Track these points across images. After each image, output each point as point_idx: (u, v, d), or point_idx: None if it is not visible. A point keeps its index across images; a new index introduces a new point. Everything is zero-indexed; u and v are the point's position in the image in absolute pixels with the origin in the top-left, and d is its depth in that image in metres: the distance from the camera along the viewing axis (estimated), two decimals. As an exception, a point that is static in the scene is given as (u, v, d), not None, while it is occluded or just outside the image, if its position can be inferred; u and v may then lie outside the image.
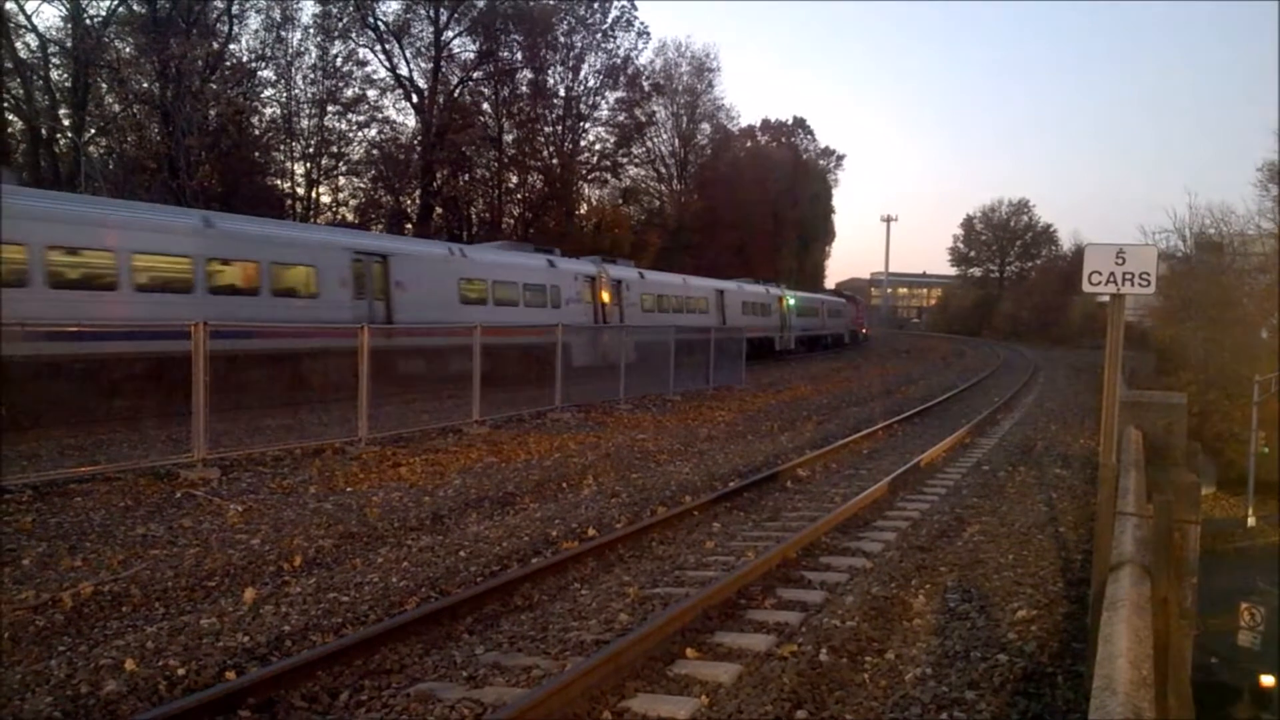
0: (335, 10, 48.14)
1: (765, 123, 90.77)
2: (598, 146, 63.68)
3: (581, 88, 60.34)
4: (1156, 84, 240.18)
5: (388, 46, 50.37)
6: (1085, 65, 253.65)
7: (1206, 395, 40.15)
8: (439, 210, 52.75)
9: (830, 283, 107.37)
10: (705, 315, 39.53)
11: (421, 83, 52.19)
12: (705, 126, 74.37)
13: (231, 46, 43.28)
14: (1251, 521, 34.28)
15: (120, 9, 38.06)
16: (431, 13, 50.68)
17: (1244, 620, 21.43)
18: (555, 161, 58.84)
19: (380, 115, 51.55)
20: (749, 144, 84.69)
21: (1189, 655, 7.10)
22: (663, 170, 72.03)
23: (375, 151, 51.22)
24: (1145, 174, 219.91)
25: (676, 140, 72.08)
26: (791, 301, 49.82)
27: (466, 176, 54.82)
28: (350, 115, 50.26)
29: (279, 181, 48.94)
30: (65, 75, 37.23)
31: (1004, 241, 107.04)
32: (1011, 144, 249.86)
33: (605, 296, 31.37)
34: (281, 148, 48.60)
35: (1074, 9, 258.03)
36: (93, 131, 37.91)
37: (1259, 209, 50.69)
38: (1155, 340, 52.34)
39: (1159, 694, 3.69)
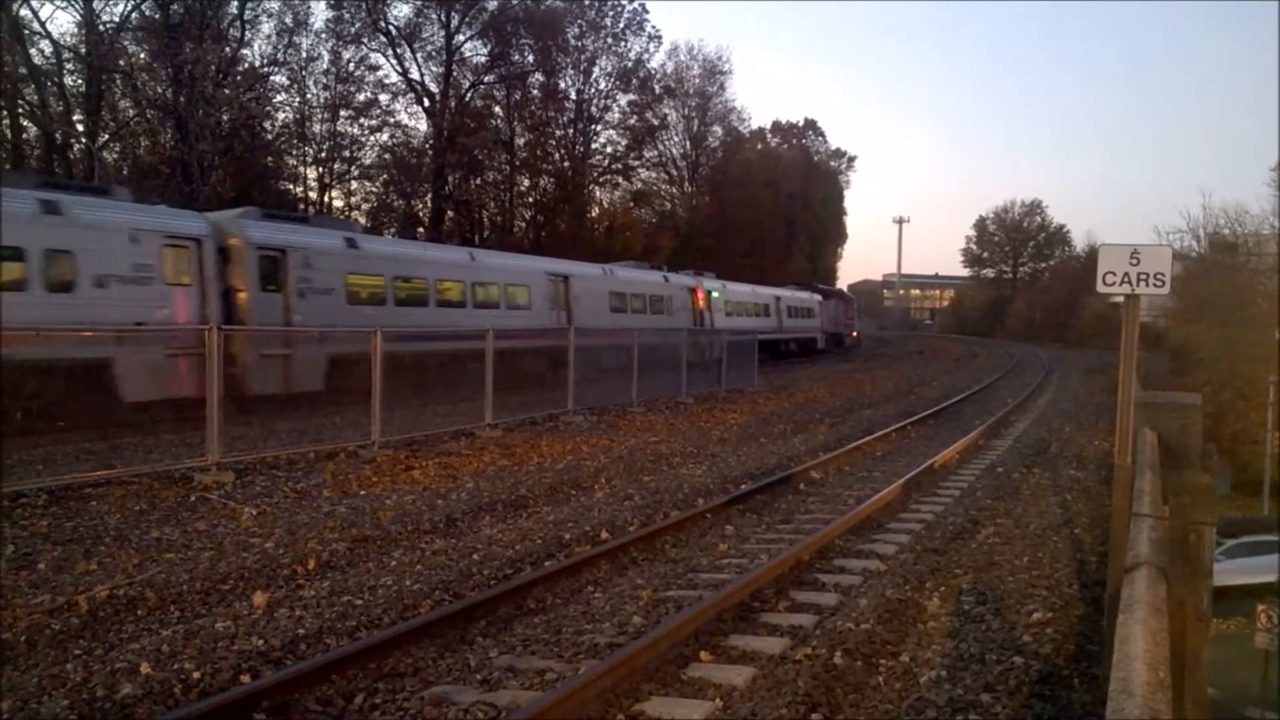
0: (347, 15, 48.39)
1: (776, 124, 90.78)
2: (609, 149, 63.89)
3: (593, 91, 60.57)
4: (1170, 83, 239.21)
5: (399, 51, 50.63)
6: (1098, 65, 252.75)
7: (1221, 396, 39.90)
8: (450, 214, 52.90)
9: (843, 284, 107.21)
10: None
11: (433, 87, 52.45)
12: (716, 129, 74.38)
13: (244, 51, 43.59)
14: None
15: (134, 15, 38.33)
16: (443, 16, 50.88)
17: (1261, 622, 21.28)
18: (567, 164, 58.99)
19: (392, 119, 51.85)
20: (760, 146, 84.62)
21: (1205, 658, 7.05)
22: (674, 173, 72.08)
23: (387, 155, 51.46)
24: (1159, 174, 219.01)
25: (688, 143, 72.10)
26: (715, 295, 39.65)
27: (478, 180, 55.02)
28: (362, 119, 50.54)
29: (292, 186, 49.18)
30: (79, 81, 37.51)
31: (1017, 242, 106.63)
32: (1024, 144, 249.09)
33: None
34: (294, 152, 48.89)
35: (1086, 10, 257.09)
36: (106, 137, 38.17)
37: (1273, 208, 50.47)
38: (1170, 341, 52.08)
39: (1176, 697, 3.67)
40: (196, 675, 6.13)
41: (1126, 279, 7.14)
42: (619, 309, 30.99)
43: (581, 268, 31.78)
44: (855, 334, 68.16)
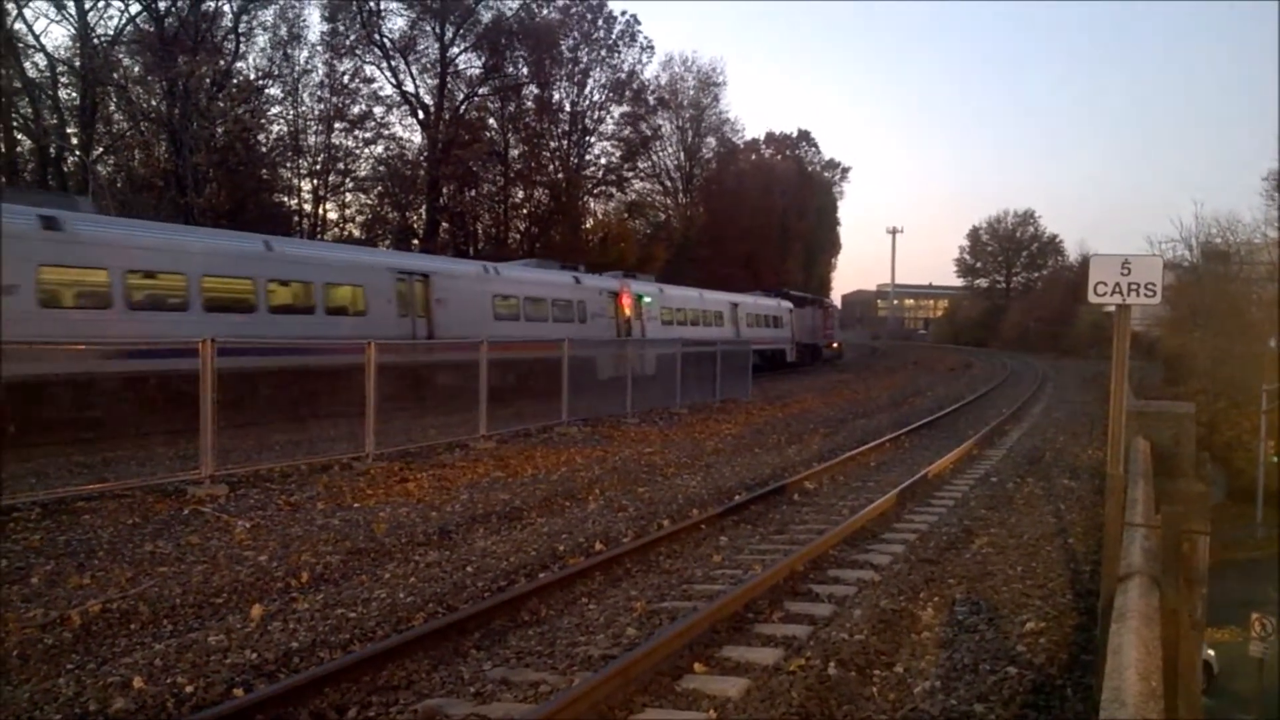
0: (342, 28, 48.50)
1: (770, 135, 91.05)
2: (603, 161, 64.09)
3: (587, 102, 60.74)
4: (1163, 91, 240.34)
5: (394, 63, 50.75)
6: (1090, 74, 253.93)
7: (1215, 404, 40.07)
8: (445, 225, 52.94)
9: (837, 294, 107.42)
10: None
11: (428, 99, 52.55)
12: (710, 140, 74.64)
13: (238, 64, 43.69)
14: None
15: (128, 28, 38.36)
16: (437, 29, 51.02)
17: (1255, 631, 21.34)
18: (561, 176, 59.10)
19: (387, 131, 51.92)
20: (754, 157, 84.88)
21: (1199, 667, 7.07)
22: (668, 184, 72.23)
23: (382, 168, 51.46)
24: (1151, 183, 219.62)
25: (682, 154, 72.29)
26: (648, 300, 34.20)
27: (473, 192, 55.09)
28: (357, 132, 50.61)
29: (286, 198, 49.20)
30: (74, 94, 37.53)
31: (1010, 252, 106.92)
32: (1017, 155, 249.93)
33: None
34: (288, 165, 48.89)
35: (1079, 19, 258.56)
36: (101, 150, 38.17)
37: (1265, 217, 50.74)
38: (1163, 350, 52.26)
39: (1169, 706, 3.68)
40: (189, 689, 6.11)
41: (1118, 289, 7.17)
42: (507, 316, 26.07)
43: (450, 264, 28.40)
44: (836, 345, 62.91)
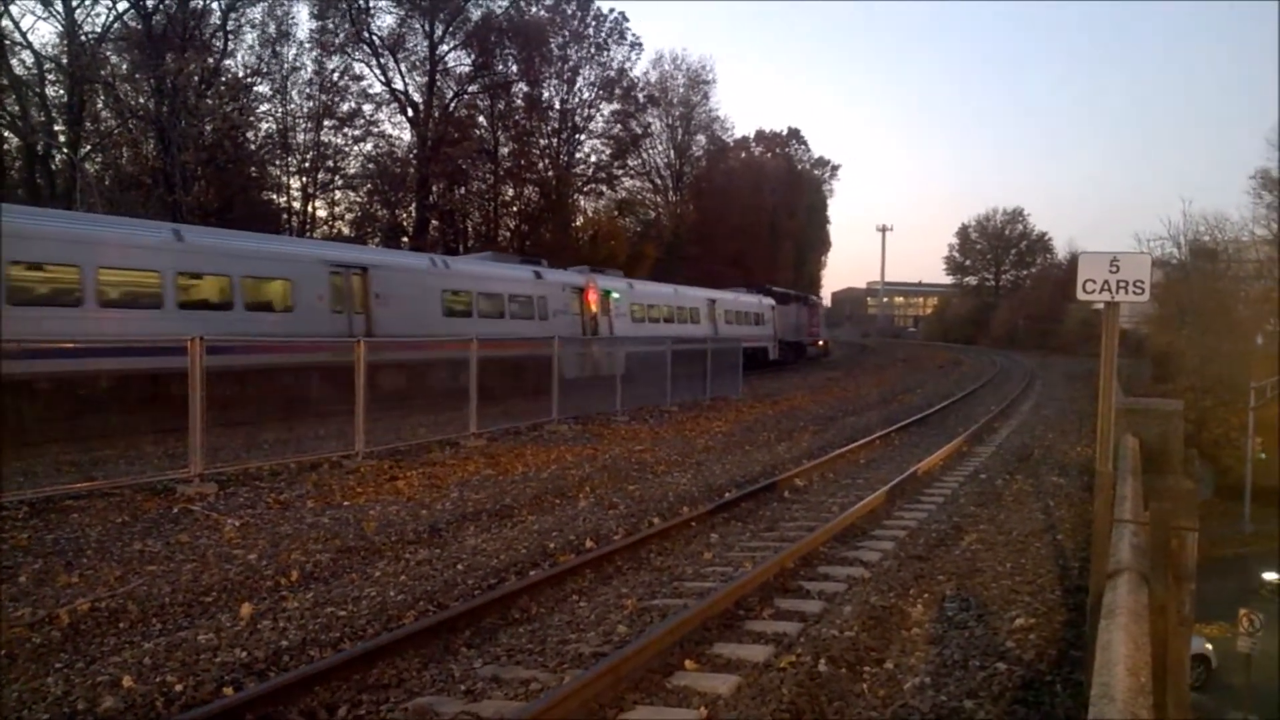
0: (331, 25, 48.36)
1: (760, 133, 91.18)
2: (593, 159, 64.07)
3: (576, 100, 60.74)
4: (1150, 91, 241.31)
5: (383, 61, 50.64)
6: (1079, 73, 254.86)
7: (1203, 402, 40.28)
8: (435, 223, 52.84)
9: (827, 291, 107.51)
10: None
11: (417, 96, 52.49)
12: (700, 138, 74.63)
13: (227, 62, 43.51)
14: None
15: (116, 25, 38.19)
16: (426, 26, 50.91)
17: (1243, 626, 21.46)
18: (551, 174, 59.05)
19: (376, 129, 51.80)
20: (744, 155, 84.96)
21: (1188, 662, 7.10)
22: (658, 182, 72.23)
23: (371, 165, 51.34)
24: (1139, 181, 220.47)
25: (672, 152, 72.30)
26: (616, 297, 32.95)
27: (462, 189, 55.03)
28: (346, 129, 50.48)
29: (275, 196, 49.05)
30: (61, 91, 37.33)
31: (999, 250, 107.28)
32: (1006, 153, 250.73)
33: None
34: (277, 162, 48.76)
35: (1068, 17, 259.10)
36: (89, 148, 37.98)
37: (1253, 215, 51.05)
38: (1151, 347, 52.51)
39: (1158, 702, 3.69)
40: (179, 688, 6.09)
41: (1106, 286, 7.19)
42: (458, 312, 24.82)
43: (392, 257, 27.15)
44: (822, 343, 61.51)
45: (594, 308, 30.58)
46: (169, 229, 19.21)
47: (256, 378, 17.88)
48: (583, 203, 64.07)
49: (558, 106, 59.70)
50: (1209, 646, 21.77)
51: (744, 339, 37.46)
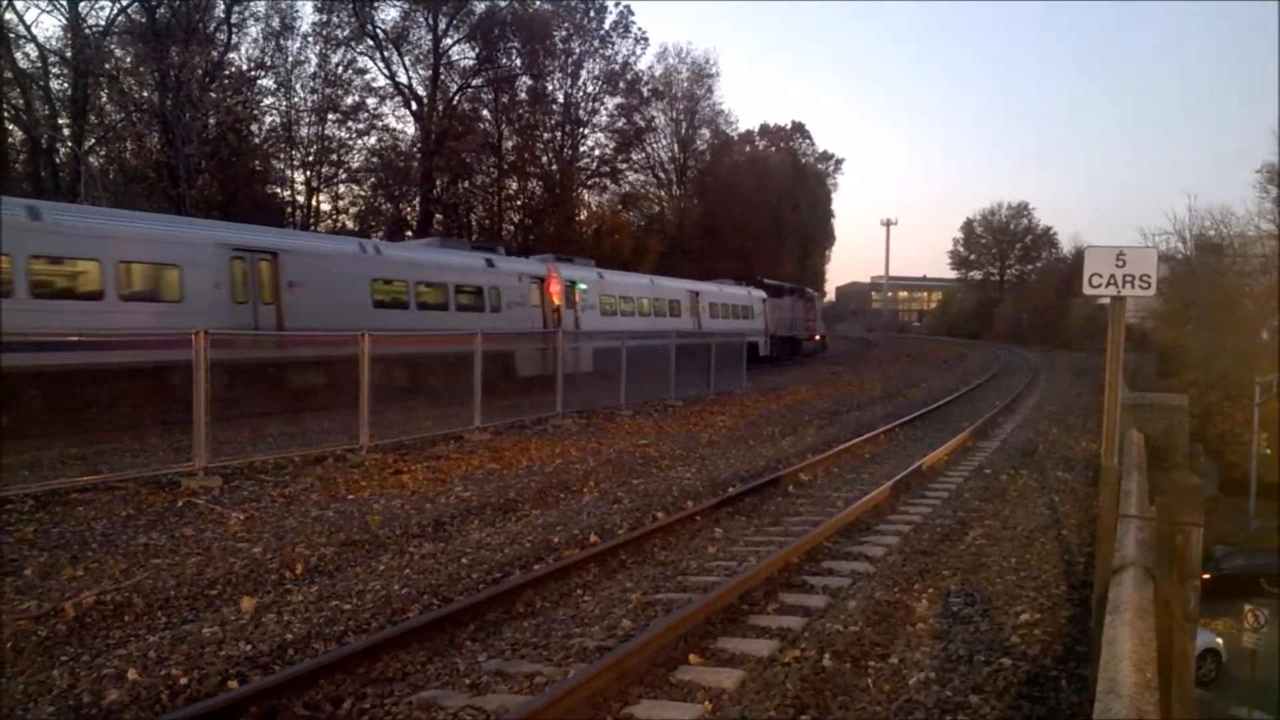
0: (334, 19, 48.28)
1: (764, 128, 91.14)
2: (597, 152, 63.88)
3: (580, 94, 60.57)
4: (1156, 85, 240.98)
5: (387, 54, 50.56)
6: (1084, 67, 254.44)
7: (1208, 397, 40.24)
8: (439, 217, 52.83)
9: (831, 286, 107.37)
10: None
11: (421, 90, 52.43)
12: (704, 132, 74.43)
13: (231, 55, 43.47)
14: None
15: (120, 18, 38.19)
16: (430, 20, 50.82)
17: (1248, 622, 21.44)
18: (555, 168, 58.96)
19: (380, 123, 51.69)
20: (748, 149, 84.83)
21: (1193, 658, 7.10)
22: (662, 176, 72.10)
23: (375, 159, 51.29)
24: (1145, 176, 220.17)
25: (676, 146, 72.12)
26: (584, 288, 30.50)
27: (466, 183, 54.98)
28: (350, 123, 50.35)
29: (279, 190, 49.05)
30: (65, 85, 37.41)
31: (1004, 244, 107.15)
32: (1011, 147, 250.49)
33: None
34: (281, 156, 48.71)
35: (1074, 12, 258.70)
36: (92, 141, 38.04)
37: (1259, 210, 50.92)
38: (1156, 342, 52.41)
39: (1163, 697, 3.68)
40: (184, 681, 6.10)
41: (1112, 281, 7.16)
42: (391, 303, 22.42)
43: (309, 241, 24.18)
44: (818, 337, 59.09)
45: (557, 300, 28.35)
46: (22, 206, 16.55)
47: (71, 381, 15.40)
48: (587, 197, 64.02)
49: (561, 100, 59.63)
50: (1219, 641, 21.74)
51: (731, 334, 35.27)
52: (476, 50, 53.56)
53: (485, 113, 55.90)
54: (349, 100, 49.86)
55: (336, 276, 21.06)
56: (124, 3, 37.81)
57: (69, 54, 36.54)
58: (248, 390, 17.69)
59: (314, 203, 50.19)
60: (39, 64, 36.61)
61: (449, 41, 52.35)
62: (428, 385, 19.97)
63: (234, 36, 43.28)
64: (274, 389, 18.56)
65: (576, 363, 23.85)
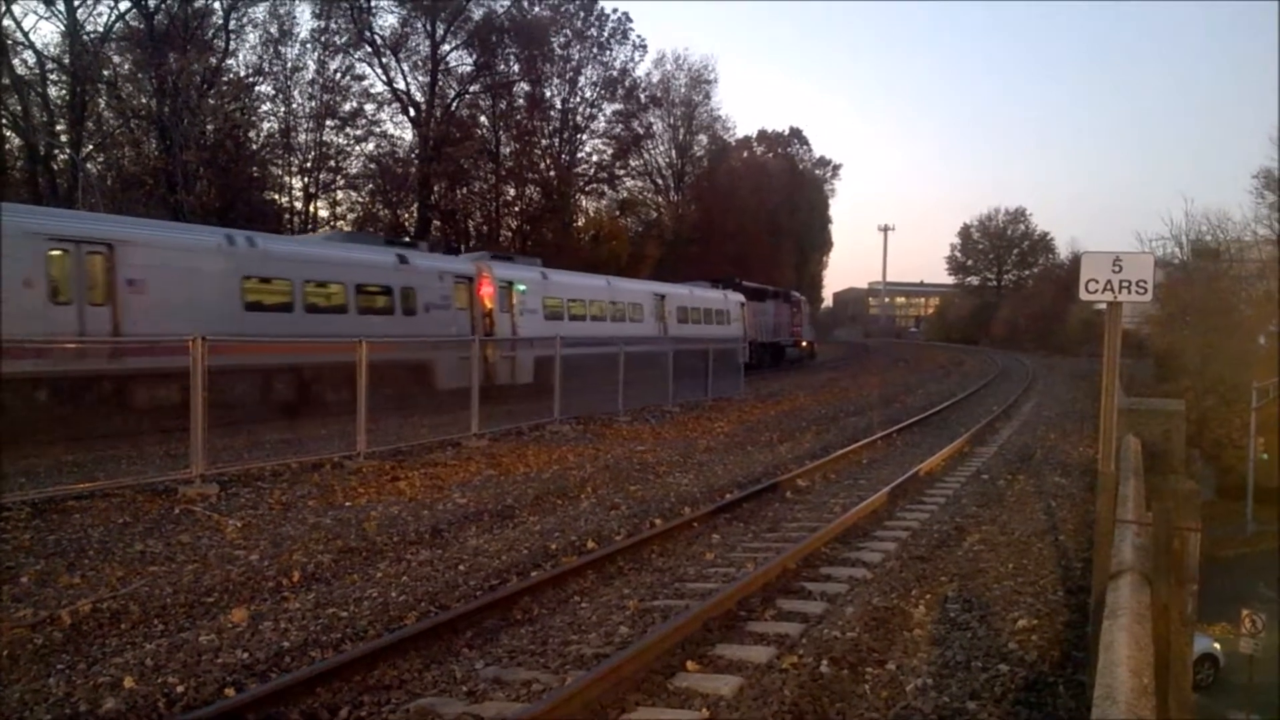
0: (333, 25, 48.39)
1: (761, 133, 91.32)
2: (595, 158, 64.08)
3: (578, 100, 60.72)
4: (1152, 90, 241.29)
5: (385, 60, 50.69)
6: (1080, 72, 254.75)
7: (1205, 402, 40.26)
8: (437, 223, 52.88)
9: (828, 291, 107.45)
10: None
11: (419, 96, 52.53)
12: (702, 138, 74.64)
13: (229, 61, 43.59)
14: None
15: (118, 25, 38.25)
16: (428, 26, 50.94)
17: (1245, 627, 21.46)
18: (552, 174, 59.07)
19: (378, 129, 51.84)
20: (745, 155, 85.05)
21: (1190, 663, 7.09)
22: (660, 182, 72.23)
23: (373, 165, 51.36)
24: (1141, 181, 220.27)
25: (674, 152, 72.29)
26: (523, 289, 27.34)
27: (464, 189, 55.06)
28: (348, 129, 50.49)
29: (277, 196, 49.09)
30: (63, 91, 37.41)
31: (1001, 250, 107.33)
32: (1008, 152, 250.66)
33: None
34: (279, 162, 48.78)
35: (1070, 16, 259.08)
36: (90, 147, 38.06)
37: (1255, 215, 50.95)
38: (1153, 347, 52.45)
39: (1160, 702, 3.69)
40: (180, 689, 6.09)
41: (1109, 286, 7.18)
42: (270, 306, 19.59)
43: (157, 231, 19.43)
44: (806, 344, 56.22)
45: (489, 302, 25.53)
46: None
47: None
48: (584, 202, 64.16)
49: (559, 106, 59.76)
50: (1217, 646, 21.76)
51: (703, 340, 32.57)
52: (474, 56, 53.76)
53: (483, 119, 56.06)
54: (347, 106, 50.05)
55: (193, 273, 18.06)
56: (122, 9, 37.93)
57: (67, 60, 36.58)
58: (75, 409, 15.65)
59: (312, 209, 50.28)
60: (37, 70, 36.63)
61: (447, 48, 52.58)
62: (323, 399, 18.18)
63: (232, 43, 43.52)
64: (111, 406, 16.43)
65: (512, 373, 21.92)
